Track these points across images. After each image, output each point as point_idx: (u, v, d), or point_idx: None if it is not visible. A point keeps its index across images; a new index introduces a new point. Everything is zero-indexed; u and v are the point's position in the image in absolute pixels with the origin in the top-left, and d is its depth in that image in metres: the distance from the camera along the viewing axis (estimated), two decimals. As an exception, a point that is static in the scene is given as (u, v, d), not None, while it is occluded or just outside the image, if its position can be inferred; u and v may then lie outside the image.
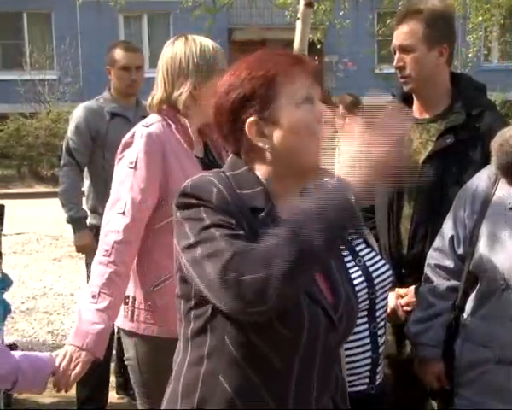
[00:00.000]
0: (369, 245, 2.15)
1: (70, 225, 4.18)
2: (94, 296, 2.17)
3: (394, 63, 2.65)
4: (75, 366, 2.12)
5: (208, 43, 2.42)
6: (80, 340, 2.13)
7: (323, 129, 1.52)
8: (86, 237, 4.07)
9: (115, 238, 2.22)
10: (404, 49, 2.60)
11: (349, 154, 1.41)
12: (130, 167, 2.31)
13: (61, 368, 2.10)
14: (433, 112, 2.66)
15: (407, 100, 2.75)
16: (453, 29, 2.69)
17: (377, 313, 2.08)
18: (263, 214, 1.49)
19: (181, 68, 2.37)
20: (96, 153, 4.07)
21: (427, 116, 2.68)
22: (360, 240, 2.14)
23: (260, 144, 1.54)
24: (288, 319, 1.43)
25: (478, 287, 2.27)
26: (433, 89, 2.65)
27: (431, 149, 2.60)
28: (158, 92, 2.41)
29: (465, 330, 2.30)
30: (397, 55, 2.64)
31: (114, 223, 2.26)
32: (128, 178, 2.30)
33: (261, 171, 1.56)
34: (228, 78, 1.57)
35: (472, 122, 2.56)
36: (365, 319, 2.04)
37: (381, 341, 2.10)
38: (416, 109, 2.72)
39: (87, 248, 4.03)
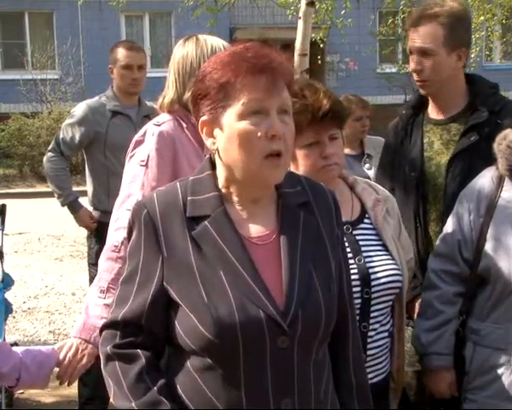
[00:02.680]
0: (386, 249, 2.11)
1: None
2: (102, 291, 2.18)
3: (412, 66, 2.61)
4: (81, 358, 2.12)
5: (219, 42, 2.41)
6: (87, 334, 2.13)
7: (274, 144, 1.49)
8: (84, 215, 4.20)
9: (125, 235, 2.19)
10: (423, 53, 2.56)
11: None
12: (142, 165, 2.31)
13: (67, 360, 2.11)
14: (451, 112, 2.64)
15: (422, 104, 2.73)
16: (470, 32, 2.66)
17: (372, 314, 2.05)
18: (205, 222, 1.52)
19: (192, 69, 2.35)
20: (97, 150, 4.10)
21: (444, 117, 2.66)
22: (375, 242, 2.11)
23: (209, 144, 1.58)
24: (219, 329, 1.44)
25: (488, 290, 2.24)
26: (450, 91, 2.63)
27: (455, 149, 2.58)
28: (169, 93, 2.41)
29: (476, 335, 2.26)
30: (415, 58, 2.59)
31: (124, 219, 2.23)
32: (139, 175, 2.30)
33: (220, 175, 1.59)
34: (201, 69, 1.59)
35: (493, 119, 2.53)
36: (357, 318, 2.02)
37: (372, 341, 2.06)
38: (433, 111, 2.70)
39: (88, 226, 4.18)
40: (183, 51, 2.40)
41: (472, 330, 2.28)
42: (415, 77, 2.64)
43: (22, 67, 15.90)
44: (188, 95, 2.35)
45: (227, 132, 1.52)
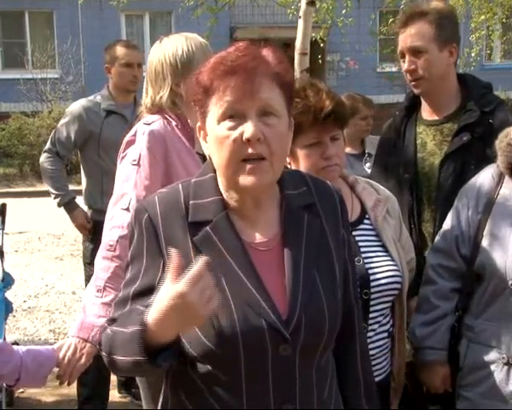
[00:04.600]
0: (386, 250, 2.12)
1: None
2: (99, 290, 2.19)
3: (405, 66, 2.62)
4: (80, 357, 2.13)
5: (183, 40, 2.42)
6: (86, 333, 2.14)
7: (251, 148, 1.43)
8: (79, 216, 4.23)
9: (120, 233, 2.22)
10: (415, 51, 2.58)
11: (162, 299, 1.32)
12: (134, 164, 2.32)
13: (66, 359, 2.12)
14: (444, 113, 2.66)
15: (415, 105, 2.75)
16: (458, 29, 2.69)
17: (371, 315, 2.06)
18: (207, 228, 1.49)
19: (156, 73, 2.40)
20: (91, 150, 4.12)
21: (437, 117, 2.67)
22: (375, 243, 2.12)
23: (204, 149, 1.56)
24: (220, 338, 1.43)
25: (483, 287, 2.25)
26: (443, 90, 2.64)
27: (447, 149, 2.59)
28: (143, 99, 2.47)
29: (471, 331, 2.27)
30: (407, 58, 2.61)
31: (118, 218, 2.26)
32: (132, 174, 2.31)
33: (219, 180, 1.56)
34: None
35: (485, 119, 2.55)
36: None
37: (370, 342, 2.05)
38: (426, 111, 2.71)
39: (82, 226, 4.20)
40: (150, 57, 2.44)
41: (467, 326, 2.29)
42: (408, 77, 2.65)
43: (22, 67, 15.89)
44: (158, 98, 2.39)
45: (210, 137, 1.51)
